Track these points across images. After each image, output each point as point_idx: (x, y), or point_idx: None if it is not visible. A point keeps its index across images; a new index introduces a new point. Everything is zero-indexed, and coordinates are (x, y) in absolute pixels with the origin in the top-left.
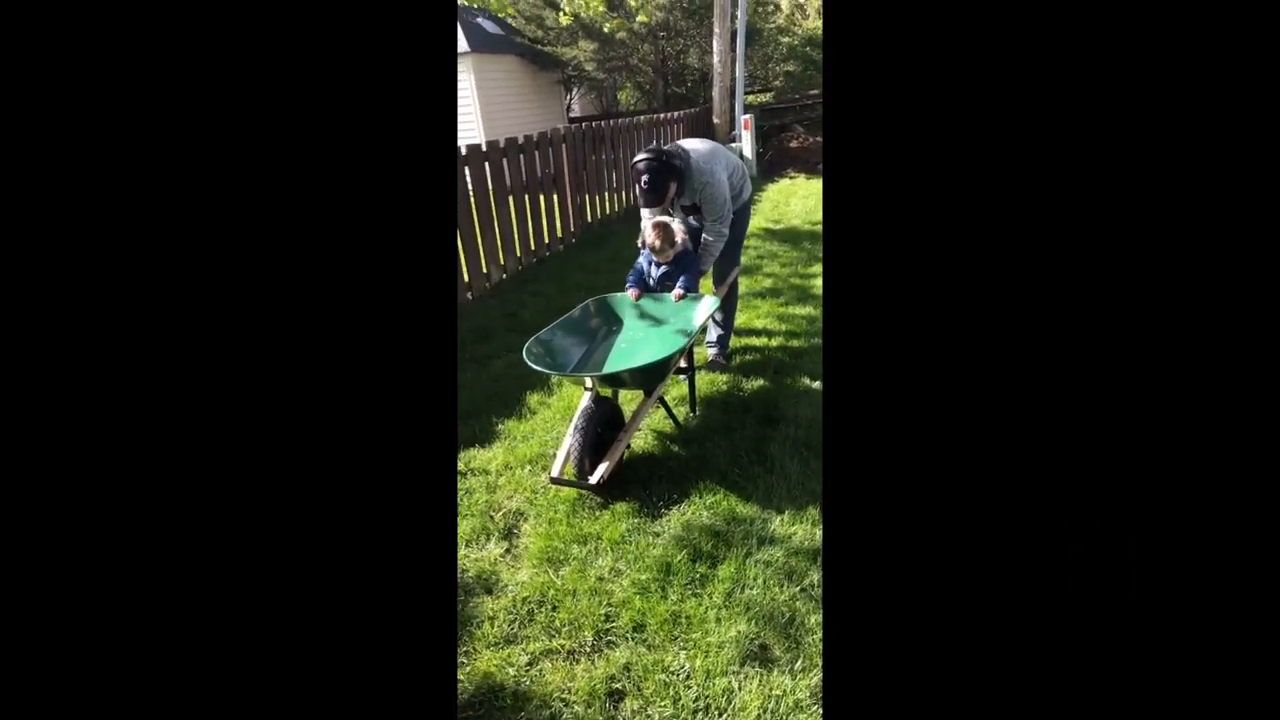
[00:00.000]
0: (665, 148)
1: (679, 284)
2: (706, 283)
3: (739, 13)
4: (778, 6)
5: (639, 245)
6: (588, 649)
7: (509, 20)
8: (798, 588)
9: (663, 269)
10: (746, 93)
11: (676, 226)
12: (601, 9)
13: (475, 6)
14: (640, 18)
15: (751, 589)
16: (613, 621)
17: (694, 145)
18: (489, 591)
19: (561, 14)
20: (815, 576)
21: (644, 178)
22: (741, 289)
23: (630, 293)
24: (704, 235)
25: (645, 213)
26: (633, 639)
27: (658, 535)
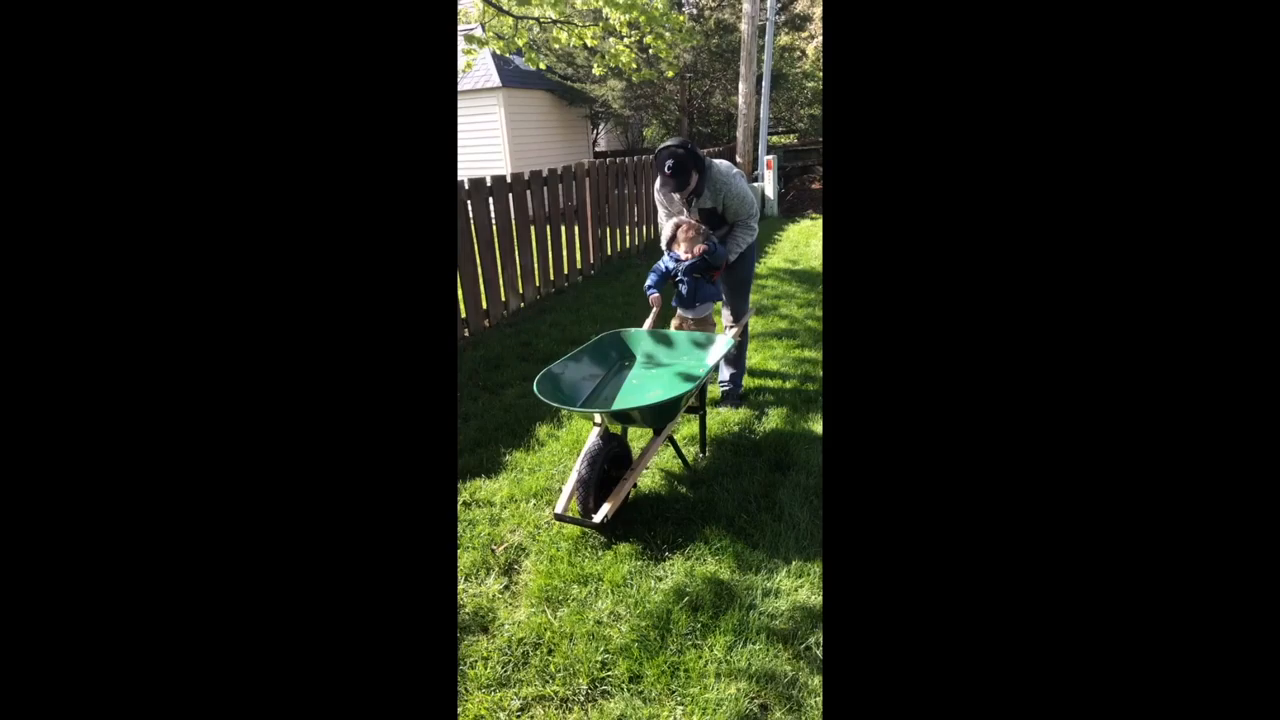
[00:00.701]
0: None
1: (712, 243)
2: (718, 322)
3: (765, 57)
4: (804, 53)
5: (663, 247)
6: (581, 698)
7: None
8: (801, 645)
9: (688, 261)
10: (770, 134)
11: (704, 229)
12: (633, 64)
13: (509, 54)
14: (669, 72)
15: (754, 644)
16: (609, 670)
17: (715, 160)
18: (484, 630)
19: (595, 64)
20: (820, 635)
21: (669, 162)
22: (757, 329)
23: (651, 297)
24: (734, 229)
25: (663, 212)
26: (628, 690)
27: (660, 580)
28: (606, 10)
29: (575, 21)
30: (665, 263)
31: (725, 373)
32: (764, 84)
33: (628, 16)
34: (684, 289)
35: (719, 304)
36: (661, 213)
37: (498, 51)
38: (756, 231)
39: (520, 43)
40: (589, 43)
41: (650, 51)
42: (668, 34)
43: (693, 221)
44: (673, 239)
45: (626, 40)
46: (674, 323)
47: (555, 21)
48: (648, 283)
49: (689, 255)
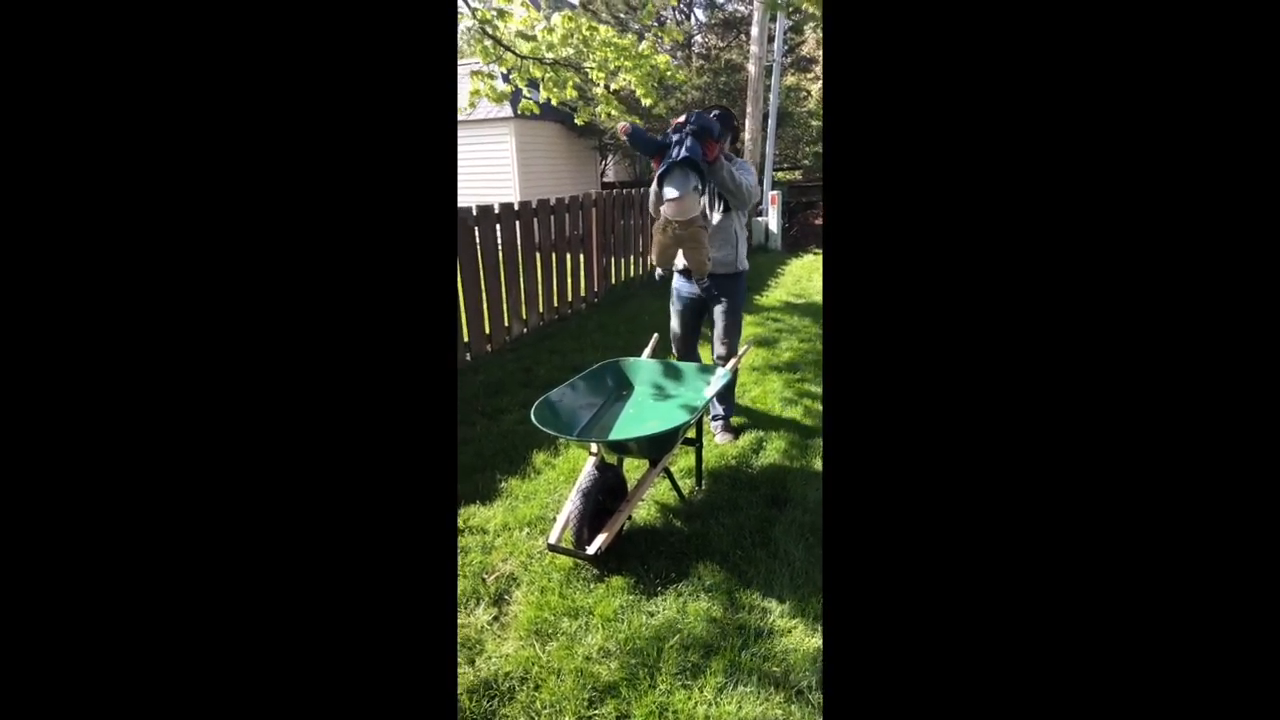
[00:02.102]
0: None
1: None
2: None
3: (771, 96)
4: (809, 93)
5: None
6: None
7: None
8: (794, 689)
9: (684, 130)
10: (775, 170)
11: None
12: (613, 109)
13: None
14: (655, 109)
15: (745, 685)
16: (596, 708)
17: None
18: (471, 663)
19: (578, 115)
20: (813, 679)
21: (716, 111)
22: (758, 362)
23: (620, 126)
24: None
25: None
26: None
27: (651, 615)
28: (594, 54)
29: (565, 68)
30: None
31: (718, 408)
32: (770, 122)
33: (612, 62)
34: (677, 150)
35: (705, 342)
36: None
37: (493, 103)
38: (756, 192)
39: (520, 83)
40: (569, 94)
41: (638, 95)
42: (654, 80)
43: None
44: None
45: (612, 85)
46: (663, 211)
47: (556, 63)
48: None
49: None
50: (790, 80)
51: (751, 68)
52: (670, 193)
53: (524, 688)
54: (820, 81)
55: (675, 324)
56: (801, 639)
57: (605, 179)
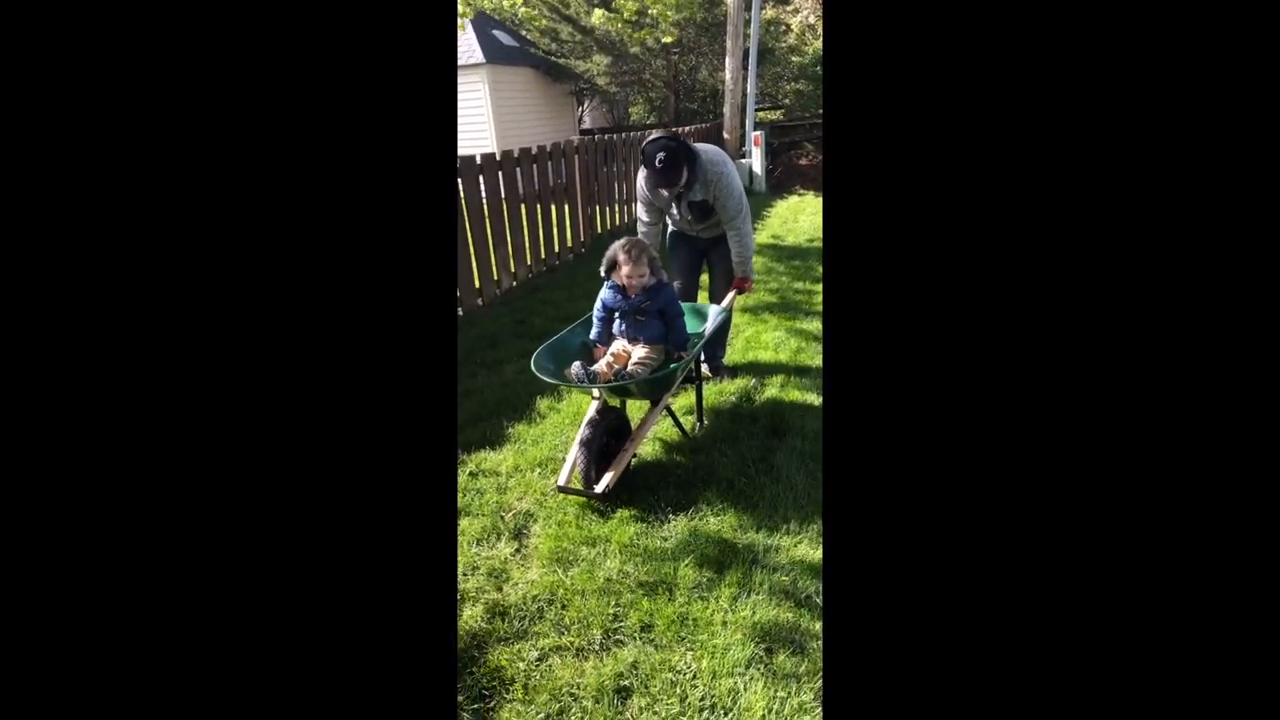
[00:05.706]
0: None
1: (673, 340)
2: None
3: (751, 32)
4: (789, 27)
5: (601, 273)
6: (596, 647)
7: (524, 33)
8: (802, 595)
9: (634, 300)
10: (757, 109)
11: (651, 253)
12: (626, 28)
13: (495, 16)
14: (666, 38)
15: (757, 594)
16: (620, 621)
17: (700, 145)
18: (499, 589)
19: (593, 14)
20: (818, 587)
21: (660, 154)
22: (750, 302)
23: (597, 351)
24: (730, 240)
25: (642, 209)
26: (640, 639)
27: (665, 540)
28: None
29: None
30: (605, 297)
31: (713, 349)
32: (751, 59)
33: None
34: (625, 324)
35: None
36: (641, 209)
37: (488, 9)
38: (751, 235)
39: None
40: None
41: (650, 14)
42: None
43: (636, 243)
44: (614, 263)
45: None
46: (605, 359)
47: None
48: (592, 334)
49: (631, 282)
50: (769, 13)
51: (730, 0)
52: (632, 345)
53: (551, 608)
54: (799, 14)
55: (676, 268)
56: (806, 552)
57: (583, 125)
